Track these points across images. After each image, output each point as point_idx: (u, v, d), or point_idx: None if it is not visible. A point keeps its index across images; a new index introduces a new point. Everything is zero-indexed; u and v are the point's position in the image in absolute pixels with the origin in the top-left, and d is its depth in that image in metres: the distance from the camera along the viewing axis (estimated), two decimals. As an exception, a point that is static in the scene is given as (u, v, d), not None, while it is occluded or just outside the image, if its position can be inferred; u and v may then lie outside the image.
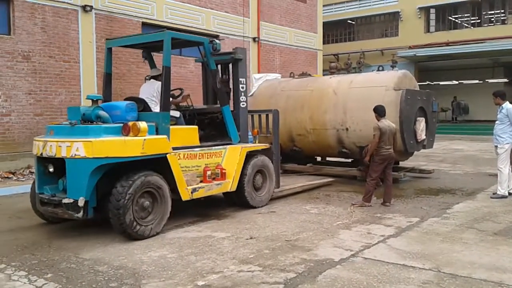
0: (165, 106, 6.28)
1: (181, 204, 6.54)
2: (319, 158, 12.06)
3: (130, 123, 5.63)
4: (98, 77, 11.79)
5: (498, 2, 26.55)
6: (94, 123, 5.80)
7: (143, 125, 5.66)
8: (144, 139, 5.65)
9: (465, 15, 27.70)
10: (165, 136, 6.02)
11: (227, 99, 7.58)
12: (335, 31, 30.82)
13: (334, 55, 27.46)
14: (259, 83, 11.98)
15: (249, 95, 11.80)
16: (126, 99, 6.75)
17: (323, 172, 10.67)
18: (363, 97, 9.64)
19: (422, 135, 9.65)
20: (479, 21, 27.32)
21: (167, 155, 5.99)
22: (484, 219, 6.57)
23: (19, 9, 10.59)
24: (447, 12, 27.90)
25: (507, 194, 7.99)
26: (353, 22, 30.63)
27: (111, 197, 5.43)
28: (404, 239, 5.65)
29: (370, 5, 29.45)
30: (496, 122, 8.28)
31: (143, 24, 13.12)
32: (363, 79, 10.25)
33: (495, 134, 8.26)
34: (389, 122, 7.67)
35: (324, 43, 21.91)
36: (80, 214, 5.36)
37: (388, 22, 29.33)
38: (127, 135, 5.60)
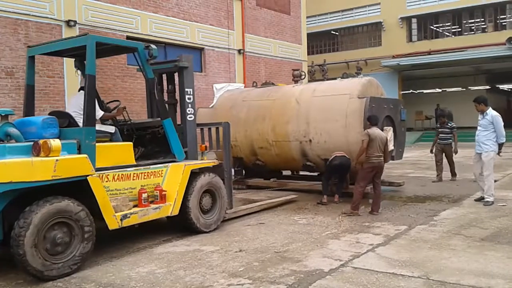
0: (89, 120, 5.50)
1: (168, 218, 6.46)
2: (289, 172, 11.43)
3: (41, 141, 4.87)
4: (83, 91, 11.72)
5: (478, 11, 27.11)
6: (5, 142, 5.07)
7: (55, 143, 4.89)
8: (57, 160, 4.84)
9: (446, 24, 28.23)
10: (84, 156, 5.20)
11: (168, 111, 6.99)
12: (319, 42, 31.14)
13: (319, 65, 27.71)
14: (220, 93, 11.40)
15: (209, 106, 11.34)
16: (50, 114, 6.06)
17: (288, 187, 10.26)
18: (326, 106, 9.19)
19: (389, 145, 8.86)
20: (460, 29, 27.85)
21: (88, 178, 5.17)
22: (471, 225, 6.63)
23: (1, 25, 10.51)
24: (429, 21, 28.40)
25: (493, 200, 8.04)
26: (337, 33, 31.00)
27: (12, 232, 4.62)
28: (392, 247, 5.67)
29: (353, 16, 29.87)
30: (479, 128, 8.13)
31: (128, 38, 13.11)
32: (326, 87, 9.75)
33: (478, 141, 8.11)
34: (380, 131, 7.73)
35: (308, 54, 22.09)
36: None
37: (371, 32, 29.75)
38: (37, 155, 4.85)
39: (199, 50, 15.44)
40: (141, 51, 6.26)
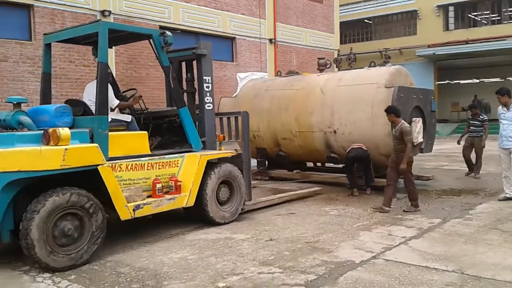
0: (101, 109, 5.42)
1: (185, 209, 6.38)
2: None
3: (50, 130, 4.80)
4: (118, 81, 11.91)
5: (518, -1, 26.09)
6: (18, 130, 5.05)
7: (64, 131, 4.79)
8: (66, 149, 4.77)
9: (485, 12, 27.27)
10: (95, 145, 5.11)
11: (187, 100, 6.89)
12: (352, 30, 30.63)
13: (350, 54, 27.32)
14: (244, 82, 11.18)
15: (233, 96, 11.26)
16: (65, 102, 5.99)
17: (312, 179, 10.06)
18: (352, 96, 8.88)
19: (418, 137, 8.61)
20: (499, 18, 26.87)
21: (98, 167, 5.08)
22: (507, 220, 6.44)
23: (39, 15, 10.78)
24: (466, 9, 27.51)
25: None
26: (370, 22, 30.41)
27: (21, 223, 4.59)
28: (426, 240, 5.57)
29: (387, 4, 29.20)
30: (505, 122, 7.73)
31: (160, 27, 13.23)
32: (353, 77, 9.35)
33: (506, 135, 7.67)
34: None
35: (341, 43, 21.75)
36: None
37: (406, 21, 29.03)
38: (47, 143, 4.78)
39: (231, 39, 15.42)
40: (156, 38, 6.15)
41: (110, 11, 12.07)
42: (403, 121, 7.29)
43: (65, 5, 11.24)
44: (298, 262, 4.83)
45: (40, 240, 4.56)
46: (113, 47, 12.10)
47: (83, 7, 11.60)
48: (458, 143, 11.18)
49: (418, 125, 8.74)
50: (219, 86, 13.79)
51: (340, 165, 9.92)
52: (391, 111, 7.33)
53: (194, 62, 7.15)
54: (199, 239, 5.84)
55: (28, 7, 10.77)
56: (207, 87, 6.84)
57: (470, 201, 7.88)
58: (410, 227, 6.21)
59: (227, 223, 6.59)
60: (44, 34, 6.73)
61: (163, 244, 5.63)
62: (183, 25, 13.63)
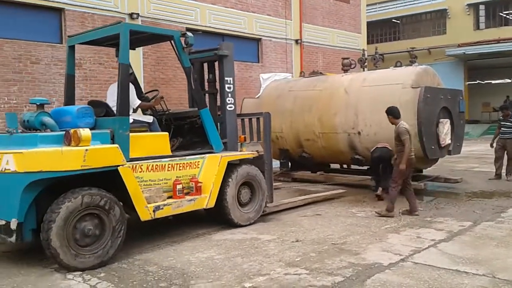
0: (122, 110, 5.43)
1: (206, 210, 6.36)
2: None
3: (71, 130, 4.82)
4: (145, 82, 12.10)
5: (553, -4, 25.29)
6: (41, 131, 5.07)
7: (84, 132, 4.82)
8: (86, 150, 4.80)
9: (517, 10, 26.57)
10: (115, 146, 5.13)
11: (208, 101, 6.89)
12: (379, 30, 30.27)
13: (375, 54, 26.96)
14: (267, 83, 11.13)
15: (256, 96, 11.24)
16: (88, 103, 6.09)
17: (336, 181, 9.94)
18: (377, 96, 8.67)
19: (446, 139, 8.48)
20: (532, 16, 26.13)
21: (119, 168, 5.09)
22: (542, 224, 6.25)
23: (70, 19, 11.04)
24: (498, 8, 26.83)
25: None
26: (398, 21, 29.98)
27: (40, 234, 4.64)
28: (456, 243, 5.45)
29: (415, 3, 28.75)
30: None
31: (187, 29, 13.37)
32: (378, 77, 9.20)
33: None
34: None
35: (368, 43, 21.52)
36: (13, 238, 4.63)
37: (435, 20, 28.52)
38: (68, 144, 4.81)
39: (256, 40, 15.46)
40: (177, 39, 6.17)
41: (138, 14, 12.26)
42: (402, 121, 7.10)
43: (95, 8, 11.49)
44: (325, 264, 4.79)
45: (63, 246, 4.61)
46: (140, 48, 12.30)
47: (112, 10, 11.82)
48: (491, 146, 10.84)
49: (445, 126, 8.55)
50: (245, 87, 13.83)
51: (365, 167, 9.79)
52: (390, 113, 7.19)
53: (216, 63, 7.19)
54: (225, 239, 5.87)
55: (59, 11, 11.05)
56: (229, 88, 6.82)
57: (502, 203, 7.68)
58: (440, 229, 6.09)
59: (248, 224, 6.54)
60: (68, 36, 6.82)
61: (190, 243, 5.68)
62: (209, 27, 13.74)
